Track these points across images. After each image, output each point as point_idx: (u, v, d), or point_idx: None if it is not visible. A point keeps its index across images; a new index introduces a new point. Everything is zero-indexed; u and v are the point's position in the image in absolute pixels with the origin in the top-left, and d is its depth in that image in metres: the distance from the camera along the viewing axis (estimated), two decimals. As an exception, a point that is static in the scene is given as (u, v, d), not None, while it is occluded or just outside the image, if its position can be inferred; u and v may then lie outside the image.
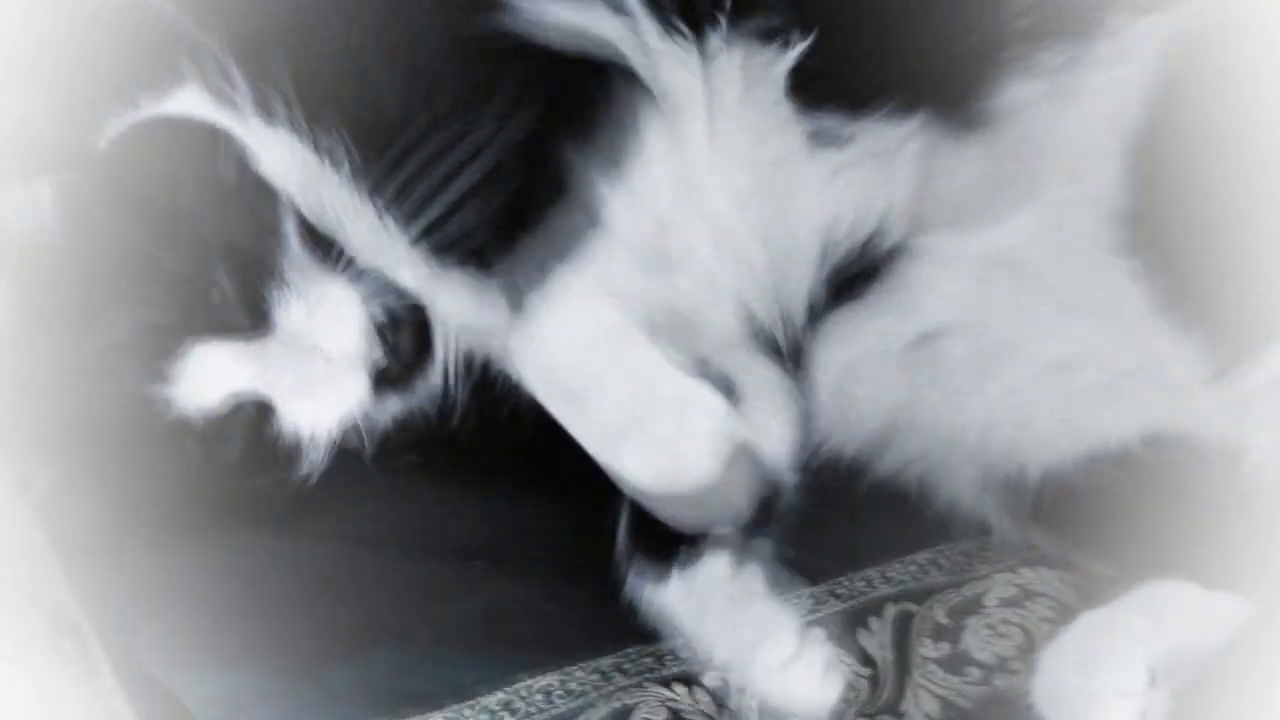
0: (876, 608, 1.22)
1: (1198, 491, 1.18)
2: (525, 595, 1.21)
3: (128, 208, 1.13)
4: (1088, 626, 1.12)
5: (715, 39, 1.23)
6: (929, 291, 1.29)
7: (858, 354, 1.31)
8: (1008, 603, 1.23)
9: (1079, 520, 1.23)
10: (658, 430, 1.09)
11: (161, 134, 1.17)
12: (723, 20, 1.23)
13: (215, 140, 1.16)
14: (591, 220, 1.15)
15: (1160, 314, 1.21)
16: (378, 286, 1.15)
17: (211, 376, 1.11)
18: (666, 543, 1.18)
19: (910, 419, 1.30)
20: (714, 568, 1.18)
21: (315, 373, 1.13)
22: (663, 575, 1.18)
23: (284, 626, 1.13)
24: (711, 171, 1.23)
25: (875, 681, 1.16)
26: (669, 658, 1.17)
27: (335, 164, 1.16)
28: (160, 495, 1.14)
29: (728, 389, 1.21)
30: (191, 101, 1.18)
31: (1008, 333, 1.27)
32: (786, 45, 1.23)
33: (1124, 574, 1.15)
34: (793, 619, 1.15)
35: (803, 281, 1.30)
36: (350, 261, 1.15)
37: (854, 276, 1.30)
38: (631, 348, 1.13)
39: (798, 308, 1.30)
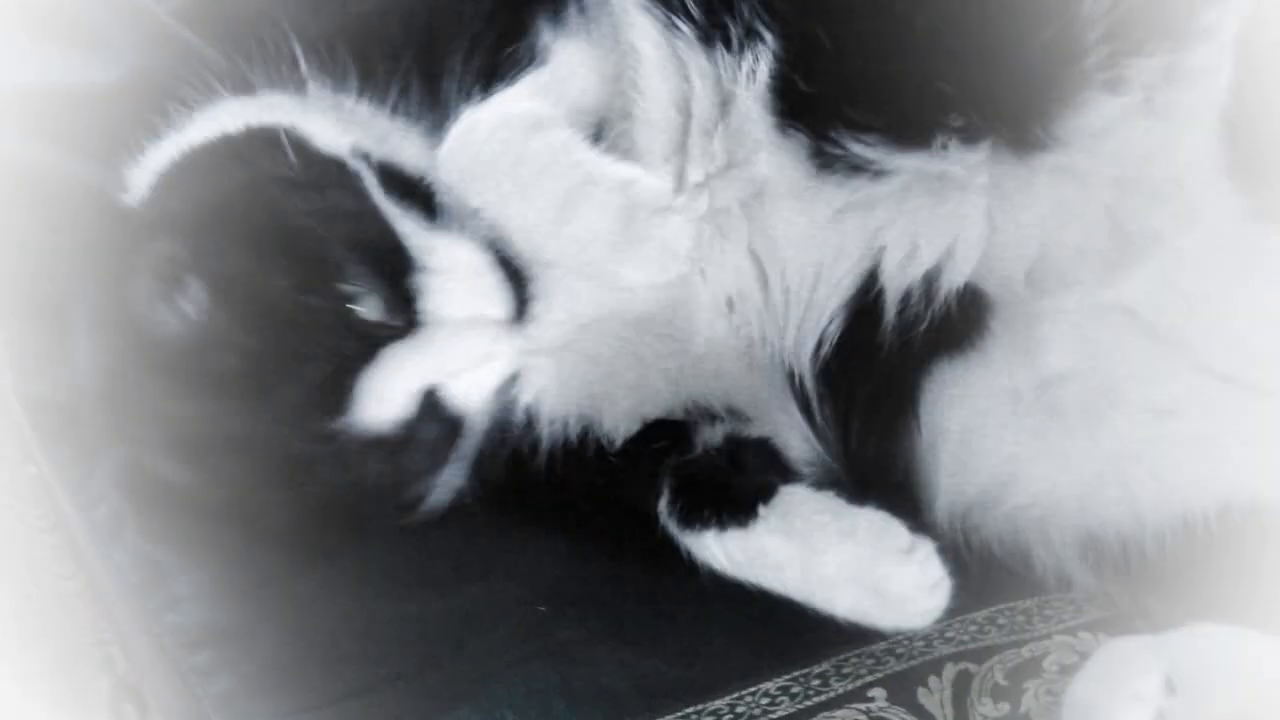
0: (936, 667, 1.22)
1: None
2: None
3: (253, 249, 1.14)
4: (1112, 647, 1.16)
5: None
6: (1049, 343, 1.24)
7: (975, 409, 1.27)
8: (1066, 670, 1.22)
9: (1155, 581, 1.23)
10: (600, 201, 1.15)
11: (217, 160, 1.20)
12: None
13: (267, 141, 1.18)
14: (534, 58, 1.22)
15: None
16: (480, 227, 1.18)
17: (389, 393, 1.13)
18: (732, 490, 1.21)
19: (1023, 471, 1.27)
20: (795, 495, 1.20)
21: (480, 343, 1.16)
22: (744, 519, 1.19)
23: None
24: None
25: None
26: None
27: (383, 102, 1.22)
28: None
29: None
30: (222, 117, 1.22)
31: (1119, 379, 1.24)
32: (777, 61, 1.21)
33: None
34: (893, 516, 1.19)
35: (812, 311, 1.28)
36: (445, 207, 1.18)
37: (930, 323, 1.25)
38: (554, 129, 1.19)
39: (809, 337, 1.29)
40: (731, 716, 1.17)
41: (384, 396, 1.12)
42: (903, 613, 1.20)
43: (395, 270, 1.14)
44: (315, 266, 1.12)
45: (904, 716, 1.18)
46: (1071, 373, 1.23)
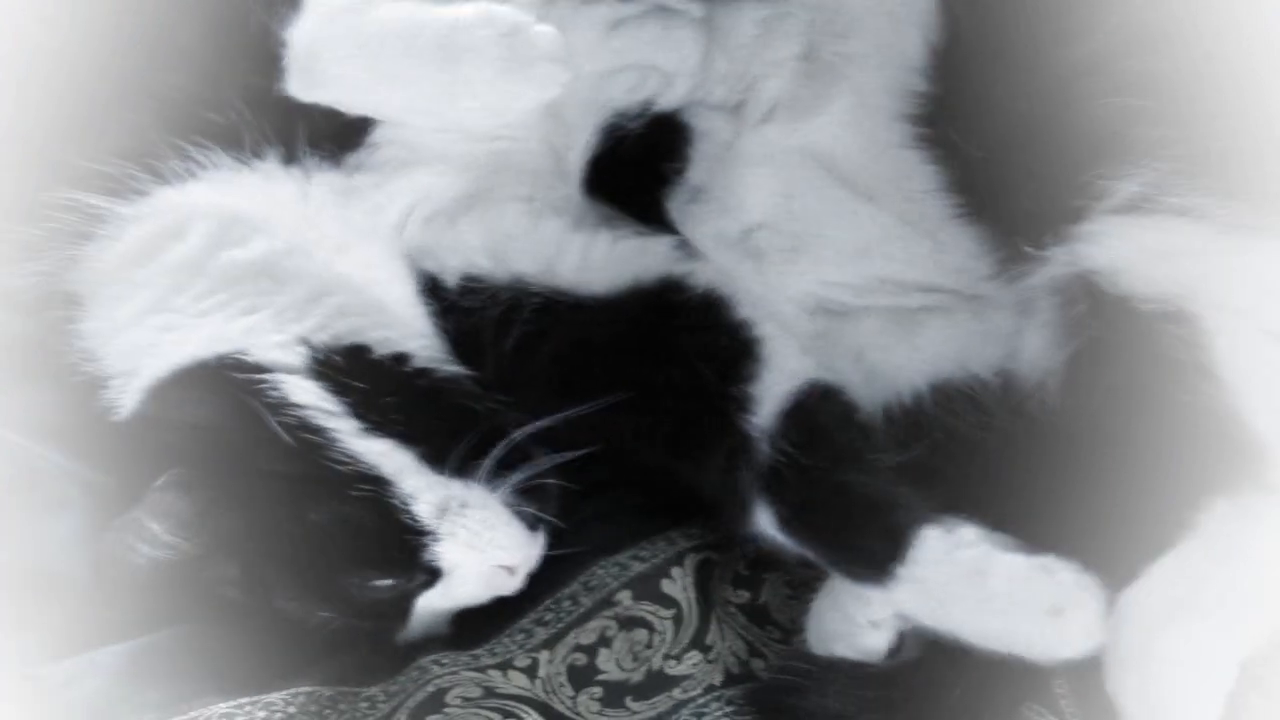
0: (679, 559, 1.34)
1: (987, 434, 1.26)
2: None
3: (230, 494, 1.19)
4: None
5: None
6: (750, 188, 1.33)
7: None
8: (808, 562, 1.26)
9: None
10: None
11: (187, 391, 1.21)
12: None
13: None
14: None
15: (945, 205, 1.28)
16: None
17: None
18: (861, 538, 1.18)
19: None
20: (931, 548, 1.16)
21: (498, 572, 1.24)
22: (880, 577, 1.17)
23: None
24: None
25: (678, 620, 1.30)
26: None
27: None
28: None
29: None
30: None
31: (816, 226, 1.32)
32: None
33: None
34: (1037, 564, 1.14)
35: (580, 134, 1.35)
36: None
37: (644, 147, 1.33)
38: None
39: (575, 158, 1.35)
40: (492, 658, 1.28)
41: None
42: (1061, 656, 1.15)
43: (406, 555, 1.20)
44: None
45: (651, 608, 1.30)
46: (771, 221, 1.33)
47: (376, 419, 1.21)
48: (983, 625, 1.15)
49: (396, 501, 1.19)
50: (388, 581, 1.21)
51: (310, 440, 1.19)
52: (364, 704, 1.26)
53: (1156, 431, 1.17)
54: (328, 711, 1.26)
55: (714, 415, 1.26)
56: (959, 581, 1.15)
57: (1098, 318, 1.18)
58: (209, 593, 1.24)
